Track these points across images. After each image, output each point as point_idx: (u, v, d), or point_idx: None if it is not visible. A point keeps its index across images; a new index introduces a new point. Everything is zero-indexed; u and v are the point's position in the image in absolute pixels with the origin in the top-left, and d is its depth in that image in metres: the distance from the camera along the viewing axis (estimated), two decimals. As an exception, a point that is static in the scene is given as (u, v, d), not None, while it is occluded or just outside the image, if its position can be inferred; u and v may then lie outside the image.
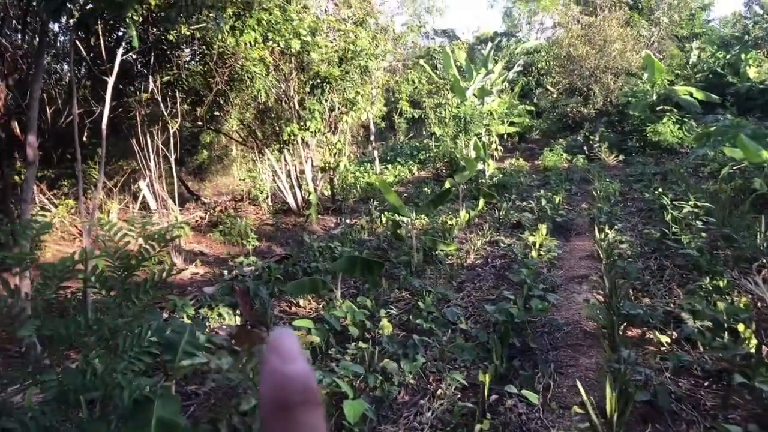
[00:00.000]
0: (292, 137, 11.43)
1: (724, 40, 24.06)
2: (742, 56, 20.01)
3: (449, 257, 7.85)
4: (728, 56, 21.18)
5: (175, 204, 10.25)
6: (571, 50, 18.06)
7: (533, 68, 24.75)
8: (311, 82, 11.05)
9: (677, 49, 22.00)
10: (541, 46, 25.86)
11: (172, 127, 9.25)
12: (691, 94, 16.61)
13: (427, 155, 16.97)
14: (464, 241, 8.73)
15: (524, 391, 3.69)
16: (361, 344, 4.70)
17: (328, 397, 3.81)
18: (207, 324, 5.76)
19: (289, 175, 12.42)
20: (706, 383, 4.05)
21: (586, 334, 5.09)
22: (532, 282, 6.03)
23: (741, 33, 23.44)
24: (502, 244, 8.37)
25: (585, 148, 17.15)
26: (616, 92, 17.74)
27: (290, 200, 12.50)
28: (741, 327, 4.30)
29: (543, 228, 8.05)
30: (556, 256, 7.41)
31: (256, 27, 7.50)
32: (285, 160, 12.37)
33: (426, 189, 13.11)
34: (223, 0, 5.70)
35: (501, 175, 13.76)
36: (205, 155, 19.61)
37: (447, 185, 9.03)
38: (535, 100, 24.99)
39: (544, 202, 9.94)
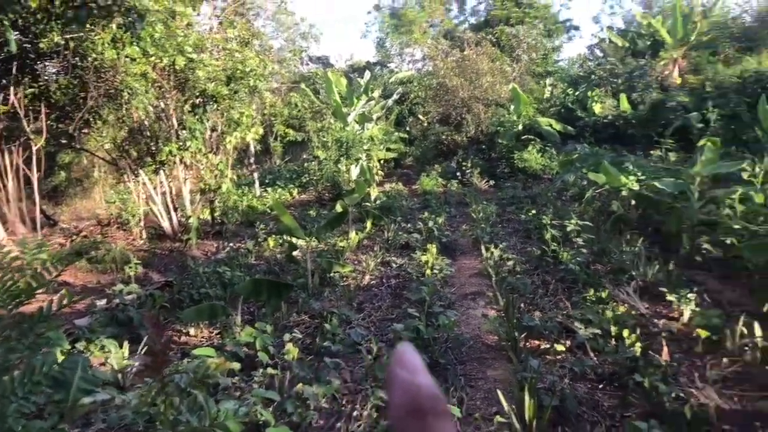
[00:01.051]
0: (170, 157, 10.84)
1: (573, 78, 26.82)
2: (588, 93, 22.42)
3: (345, 279, 7.84)
4: (577, 93, 23.61)
5: (36, 229, 9.21)
6: (446, 81, 19.08)
7: (406, 97, 25.77)
8: (192, 101, 10.59)
9: (535, 84, 24.10)
10: (413, 77, 27.03)
11: (35, 144, 8.35)
12: (551, 125, 18.27)
13: (309, 178, 16.90)
14: (357, 262, 8.77)
15: (446, 405, 3.74)
16: (270, 370, 4.51)
17: (246, 426, 3.59)
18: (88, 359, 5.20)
19: (165, 198, 11.71)
20: (601, 386, 4.40)
21: (488, 347, 5.31)
22: (430, 300, 6.18)
23: (586, 73, 26.27)
24: (394, 265, 8.51)
25: (458, 173, 18.07)
26: (486, 122, 18.98)
27: (166, 224, 11.77)
28: (626, 333, 4.72)
29: (433, 248, 8.32)
30: (448, 274, 7.68)
31: (148, 40, 7.05)
32: (161, 182, 11.67)
33: (311, 212, 13.01)
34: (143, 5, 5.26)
35: (385, 198, 14.05)
36: (63, 176, 17.94)
37: (339, 208, 9.04)
38: (407, 128, 25.95)
39: (431, 223, 10.30)
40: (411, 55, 34.19)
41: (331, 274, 7.78)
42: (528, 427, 3.53)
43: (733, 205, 6.85)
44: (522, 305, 6.18)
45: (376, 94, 19.91)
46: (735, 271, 6.58)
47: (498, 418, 3.61)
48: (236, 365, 4.01)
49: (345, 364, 4.93)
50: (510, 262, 7.71)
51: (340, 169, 15.04)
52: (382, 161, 18.44)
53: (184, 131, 10.70)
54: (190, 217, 11.29)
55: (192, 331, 6.21)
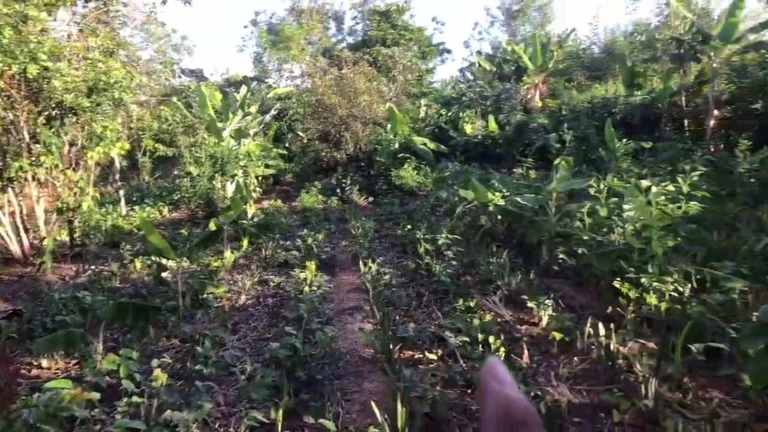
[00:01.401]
0: (21, 174, 9.87)
1: (446, 99, 28.21)
2: (460, 114, 23.71)
3: (219, 300, 7.57)
4: (449, 113, 24.87)
5: None
6: (324, 98, 19.25)
7: (285, 113, 25.61)
8: (48, 113, 9.74)
9: (411, 104, 25.03)
10: (292, 93, 26.97)
11: None
12: (425, 144, 19.06)
13: (181, 196, 16.16)
14: (232, 282, 8.51)
15: (321, 420, 3.74)
16: (135, 399, 4.23)
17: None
18: None
19: (14, 218, 10.60)
20: (469, 390, 4.62)
21: (364, 360, 5.38)
22: (308, 317, 6.16)
23: (458, 95, 27.75)
24: (272, 283, 8.37)
25: (338, 190, 18.23)
26: (365, 140, 19.37)
27: (15, 248, 10.65)
28: (492, 339, 5.02)
29: (312, 265, 8.30)
30: (327, 290, 7.70)
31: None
32: (9, 201, 10.56)
33: (183, 231, 12.44)
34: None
35: (263, 216, 13.80)
36: None
37: (213, 226, 8.74)
38: (287, 145, 25.77)
39: (310, 240, 10.27)
40: (290, 72, 34.07)
41: (205, 296, 7.48)
42: (400, 435, 3.62)
43: (582, 218, 7.58)
44: (397, 317, 6.34)
45: (253, 109, 19.62)
46: (586, 278, 7.25)
47: (372, 429, 3.67)
48: (96, 395, 3.72)
49: (218, 387, 4.76)
50: (387, 276, 7.89)
51: (214, 186, 14.57)
52: (260, 178, 18.15)
53: (37, 145, 9.80)
54: (44, 238, 10.32)
55: (45, 363, 5.66)
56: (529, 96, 23.03)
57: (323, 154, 20.26)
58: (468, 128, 22.39)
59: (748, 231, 7.54)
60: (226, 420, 4.28)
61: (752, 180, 9.07)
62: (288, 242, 10.99)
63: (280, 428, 3.84)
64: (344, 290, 8.00)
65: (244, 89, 20.11)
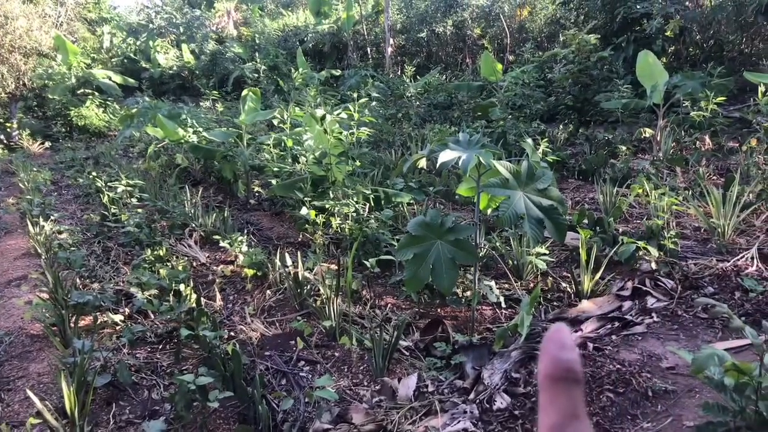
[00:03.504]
0: None
1: (132, 27, 25.36)
2: (151, 43, 21.61)
3: None
4: (138, 43, 22.48)
5: None
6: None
7: None
8: None
9: (89, 33, 21.81)
10: None
11: None
12: (110, 78, 16.93)
13: None
14: None
15: (-38, 428, 3.10)
16: None
17: None
18: None
19: None
20: (160, 347, 4.37)
21: (33, 338, 4.64)
22: (-46, 300, 5.04)
23: (146, 22, 25.18)
24: None
25: (2, 136, 15.22)
26: (29, 74, 16.26)
27: None
28: (182, 287, 4.77)
29: (-40, 234, 6.79)
30: (-18, 262, 6.42)
31: None
32: None
33: None
34: None
35: None
36: None
37: None
38: None
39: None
40: None
41: None
42: (70, 419, 3.21)
43: (270, 150, 7.62)
44: (78, 280, 5.61)
45: None
46: (281, 208, 7.42)
47: (32, 421, 3.18)
48: None
49: None
50: (64, 235, 6.90)
51: None
52: None
53: None
54: None
55: None
56: (222, 24, 22.11)
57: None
58: (162, 59, 20.63)
59: (417, 149, 8.56)
60: None
61: (418, 103, 10.28)
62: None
63: None
64: (10, 258, 6.76)
65: None
